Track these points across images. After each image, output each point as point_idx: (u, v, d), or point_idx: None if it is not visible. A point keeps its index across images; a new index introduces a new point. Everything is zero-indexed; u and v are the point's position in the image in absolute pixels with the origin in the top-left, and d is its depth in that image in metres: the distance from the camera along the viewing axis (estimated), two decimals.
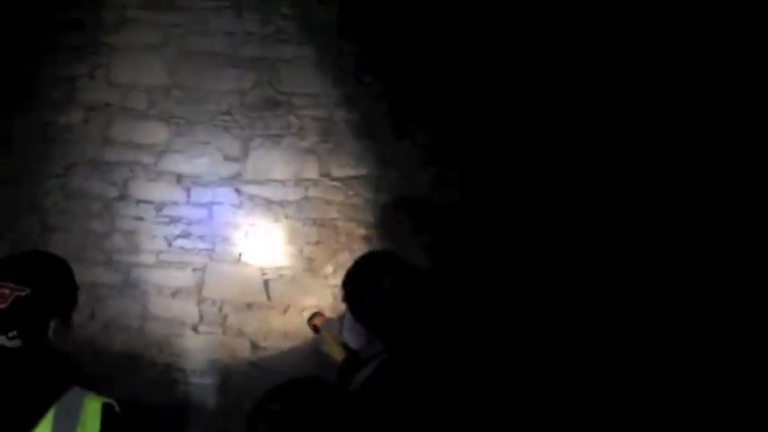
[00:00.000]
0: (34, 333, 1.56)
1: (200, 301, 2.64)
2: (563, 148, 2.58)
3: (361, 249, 2.54)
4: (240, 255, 2.64)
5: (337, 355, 2.08)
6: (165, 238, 2.64)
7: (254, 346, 2.64)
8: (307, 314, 2.38)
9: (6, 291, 1.53)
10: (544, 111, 2.59)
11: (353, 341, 1.95)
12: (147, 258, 2.65)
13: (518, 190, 2.60)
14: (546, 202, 2.58)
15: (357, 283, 1.89)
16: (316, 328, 2.36)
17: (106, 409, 1.47)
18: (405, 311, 1.87)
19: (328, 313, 2.37)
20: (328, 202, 2.65)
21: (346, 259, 2.47)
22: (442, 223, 2.63)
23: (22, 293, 1.53)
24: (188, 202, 2.65)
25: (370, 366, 1.89)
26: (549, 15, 2.57)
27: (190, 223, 2.64)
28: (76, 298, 1.70)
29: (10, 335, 1.52)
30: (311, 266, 2.62)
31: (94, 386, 1.54)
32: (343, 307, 2.00)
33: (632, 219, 2.54)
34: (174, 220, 2.65)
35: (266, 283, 2.64)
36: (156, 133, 2.66)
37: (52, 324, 1.61)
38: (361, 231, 2.64)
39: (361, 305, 1.86)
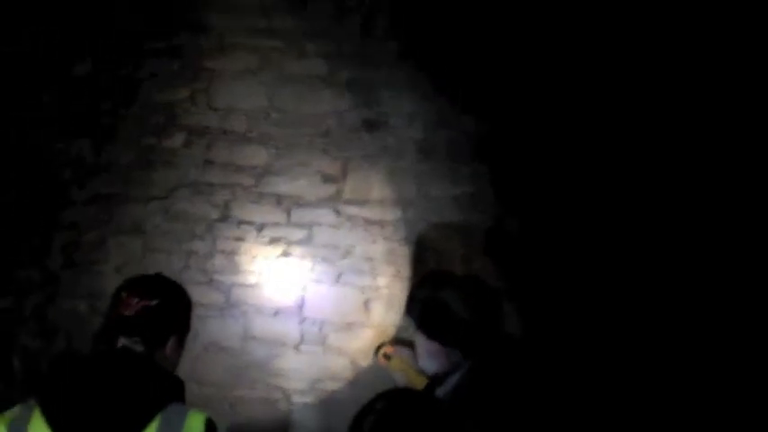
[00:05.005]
0: (155, 343, 1.66)
1: (301, 321, 2.67)
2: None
3: (459, 269, 2.53)
4: (340, 275, 2.66)
5: (416, 380, 2.10)
6: (266, 258, 2.68)
7: (354, 365, 2.65)
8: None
9: (134, 301, 1.64)
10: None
11: (431, 365, 2.00)
12: (248, 279, 2.69)
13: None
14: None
15: (422, 301, 2.00)
16: (387, 357, 2.38)
17: (209, 424, 1.53)
18: (473, 315, 1.94)
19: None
20: (426, 222, 2.65)
21: None
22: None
23: (149, 304, 1.64)
24: (288, 223, 2.68)
25: (455, 377, 1.93)
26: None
27: (290, 244, 2.67)
28: (190, 322, 1.79)
29: (134, 339, 1.62)
30: (409, 286, 2.61)
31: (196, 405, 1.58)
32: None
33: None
34: (275, 241, 2.68)
35: (366, 302, 2.66)
36: (256, 155, 2.70)
37: (170, 340, 1.69)
38: (460, 251, 2.63)
39: (430, 321, 1.96)
